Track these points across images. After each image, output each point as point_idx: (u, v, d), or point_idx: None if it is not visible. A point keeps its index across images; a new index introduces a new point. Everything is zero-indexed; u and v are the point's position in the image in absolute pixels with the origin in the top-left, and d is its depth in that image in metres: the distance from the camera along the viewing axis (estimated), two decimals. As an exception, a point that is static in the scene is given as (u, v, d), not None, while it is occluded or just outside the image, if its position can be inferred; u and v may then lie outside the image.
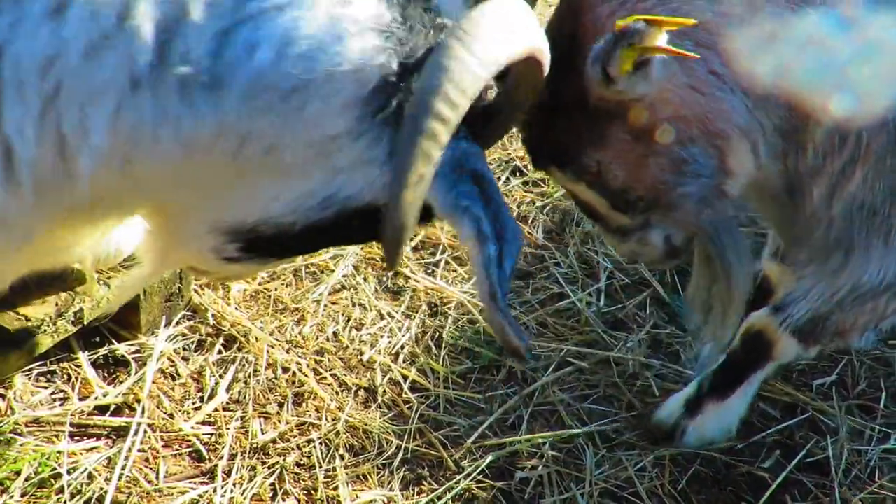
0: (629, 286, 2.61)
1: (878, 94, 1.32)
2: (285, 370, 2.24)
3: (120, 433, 2.00)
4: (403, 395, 2.22)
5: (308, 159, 0.97)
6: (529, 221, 2.85)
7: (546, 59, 1.05)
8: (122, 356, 2.18)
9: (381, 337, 2.38)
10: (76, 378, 2.11)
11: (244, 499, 1.87)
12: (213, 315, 2.34)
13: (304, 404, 2.15)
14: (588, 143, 1.38)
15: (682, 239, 1.58)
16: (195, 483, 1.92)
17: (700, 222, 1.50)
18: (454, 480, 1.96)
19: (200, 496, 1.88)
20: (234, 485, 1.90)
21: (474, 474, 1.97)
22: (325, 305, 2.45)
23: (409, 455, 2.04)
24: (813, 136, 1.39)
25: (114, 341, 2.21)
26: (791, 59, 1.30)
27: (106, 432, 2.01)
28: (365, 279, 2.56)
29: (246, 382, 2.17)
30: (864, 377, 2.33)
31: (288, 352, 2.30)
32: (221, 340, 2.29)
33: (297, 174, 0.99)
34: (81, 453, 1.92)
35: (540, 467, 2.02)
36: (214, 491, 1.88)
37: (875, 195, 1.42)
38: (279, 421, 2.10)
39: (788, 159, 1.43)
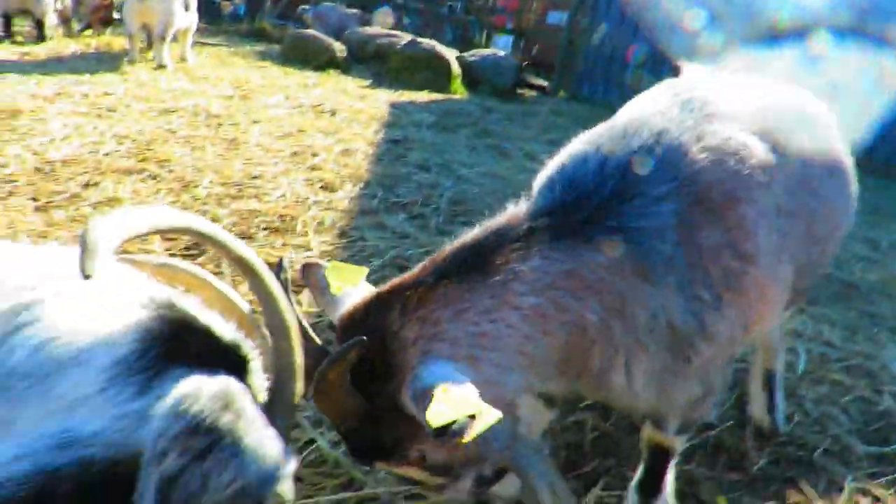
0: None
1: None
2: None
3: None
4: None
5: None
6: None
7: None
8: None
9: None
10: None
11: None
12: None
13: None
14: (409, 440, 1.52)
15: (491, 469, 1.73)
16: None
17: (506, 457, 1.66)
18: None
19: None
20: None
21: None
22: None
23: None
24: (588, 358, 1.64)
25: None
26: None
27: None
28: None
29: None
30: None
31: None
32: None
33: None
34: None
35: None
36: None
37: (662, 360, 1.69)
38: None
39: (570, 374, 1.68)
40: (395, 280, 1.56)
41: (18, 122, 5.22)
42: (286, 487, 1.14)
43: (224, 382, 1.08)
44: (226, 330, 1.23)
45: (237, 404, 1.07)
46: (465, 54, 11.41)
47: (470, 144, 6.74)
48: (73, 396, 1.00)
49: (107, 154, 4.83)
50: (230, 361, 1.18)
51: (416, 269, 1.58)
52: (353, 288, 1.66)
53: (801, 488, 2.43)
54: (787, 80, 1.77)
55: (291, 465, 1.14)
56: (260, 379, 1.26)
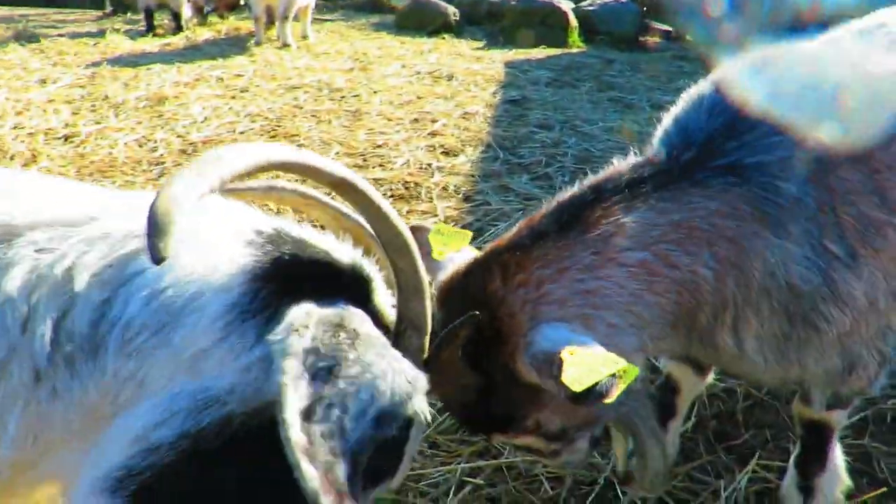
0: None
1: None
2: None
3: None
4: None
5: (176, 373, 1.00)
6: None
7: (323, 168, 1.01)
8: None
9: None
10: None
11: None
12: None
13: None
14: (525, 409, 1.46)
15: (602, 429, 1.68)
16: None
17: (621, 415, 1.57)
18: None
19: None
20: None
21: None
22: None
23: None
24: (696, 317, 1.50)
25: None
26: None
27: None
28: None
29: None
30: None
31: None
32: None
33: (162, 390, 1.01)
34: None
35: None
36: None
37: (778, 326, 1.52)
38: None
39: (681, 333, 1.54)
40: (491, 245, 1.48)
41: (164, 107, 5.64)
42: (423, 406, 1.06)
43: (336, 308, 1.00)
44: (343, 252, 1.14)
45: (352, 325, 1.00)
46: (582, 4, 10.88)
47: (592, 99, 6.44)
48: (194, 349, 0.95)
49: (242, 132, 5.10)
50: (350, 285, 1.11)
51: (512, 231, 1.49)
52: (455, 253, 1.60)
53: None
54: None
55: (423, 381, 1.05)
56: (385, 297, 1.18)
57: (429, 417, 1.08)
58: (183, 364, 0.96)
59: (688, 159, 1.47)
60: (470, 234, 1.64)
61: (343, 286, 1.08)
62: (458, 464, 2.20)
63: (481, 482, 2.15)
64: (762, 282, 1.45)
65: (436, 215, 3.76)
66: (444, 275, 1.51)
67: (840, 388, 1.70)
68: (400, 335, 1.14)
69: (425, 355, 1.17)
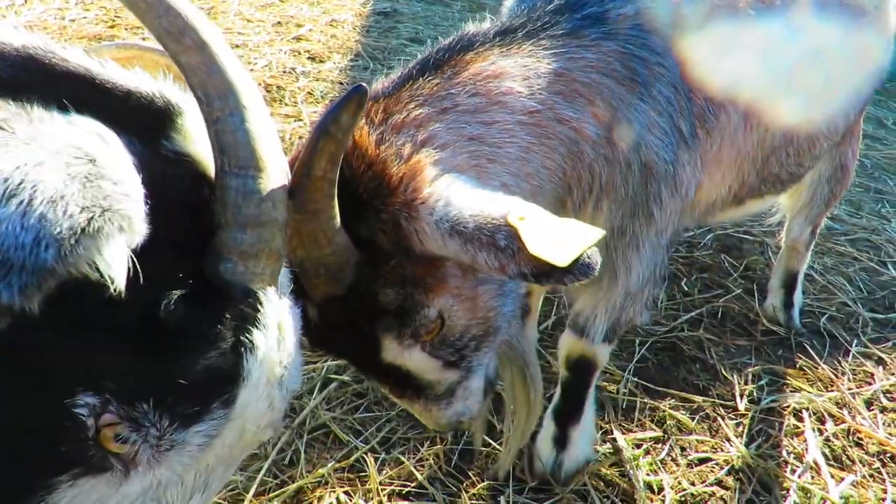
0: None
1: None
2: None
3: None
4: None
5: None
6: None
7: None
8: None
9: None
10: None
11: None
12: None
13: None
14: (427, 291, 1.14)
15: (494, 369, 1.46)
16: None
17: (510, 338, 1.42)
18: None
19: None
20: None
21: None
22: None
23: None
24: (571, 194, 1.37)
25: None
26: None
27: None
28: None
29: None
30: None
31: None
32: None
33: None
34: None
35: (327, 495, 1.82)
36: None
37: (619, 218, 1.45)
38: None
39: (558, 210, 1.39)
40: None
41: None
42: (115, 263, 0.62)
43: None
44: (141, 81, 0.82)
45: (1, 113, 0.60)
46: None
47: (464, 18, 6.33)
48: None
49: (73, 20, 4.45)
50: (130, 112, 0.77)
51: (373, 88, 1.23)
52: None
53: (808, 352, 2.42)
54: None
55: (136, 220, 0.63)
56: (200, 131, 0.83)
57: (121, 284, 0.64)
58: None
59: (555, 8, 1.35)
60: None
61: (102, 108, 0.74)
62: (325, 362, 2.14)
63: (347, 378, 2.12)
64: (627, 156, 1.37)
65: (300, 120, 3.54)
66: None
67: (620, 315, 1.64)
68: (218, 178, 0.79)
69: (264, 206, 0.80)
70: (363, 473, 1.88)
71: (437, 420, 1.33)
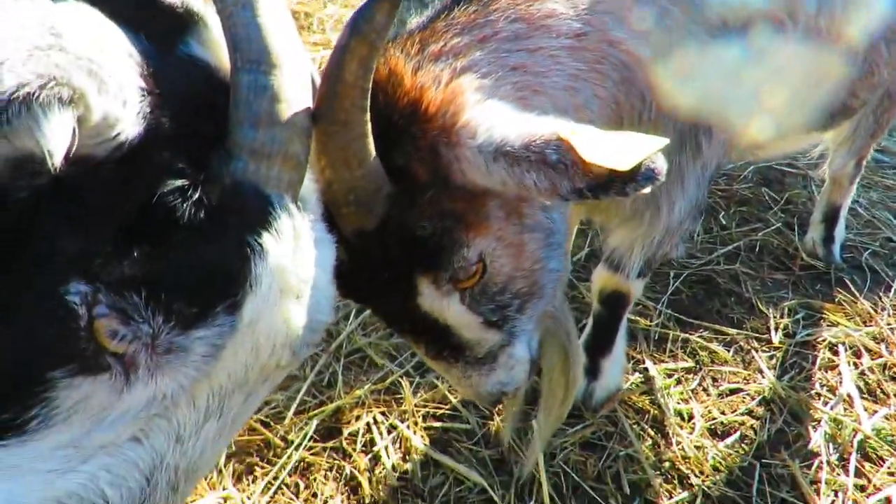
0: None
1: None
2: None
3: None
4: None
5: None
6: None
7: None
8: None
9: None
10: None
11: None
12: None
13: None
14: (468, 229, 1.03)
15: (537, 345, 1.33)
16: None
17: (554, 310, 1.30)
18: (286, 456, 1.79)
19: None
20: None
21: (304, 443, 1.82)
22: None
23: (232, 448, 1.82)
24: (621, 125, 1.25)
25: None
26: None
27: None
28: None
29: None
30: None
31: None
32: None
33: None
34: None
35: (364, 415, 1.89)
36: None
37: (666, 152, 1.28)
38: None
39: None
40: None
41: None
42: (53, 134, 0.59)
43: None
44: None
45: None
46: None
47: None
48: None
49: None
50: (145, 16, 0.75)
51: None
52: None
53: (848, 287, 2.38)
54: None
55: (79, 88, 0.59)
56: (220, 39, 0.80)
57: (58, 159, 0.60)
58: None
59: None
60: None
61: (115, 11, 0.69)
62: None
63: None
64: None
65: (329, 47, 3.47)
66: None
67: (657, 251, 1.61)
68: (231, 76, 0.76)
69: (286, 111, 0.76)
70: (398, 395, 1.94)
71: (477, 388, 1.23)
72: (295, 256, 0.77)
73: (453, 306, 1.10)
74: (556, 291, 1.26)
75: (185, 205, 0.68)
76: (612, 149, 0.84)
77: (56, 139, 0.59)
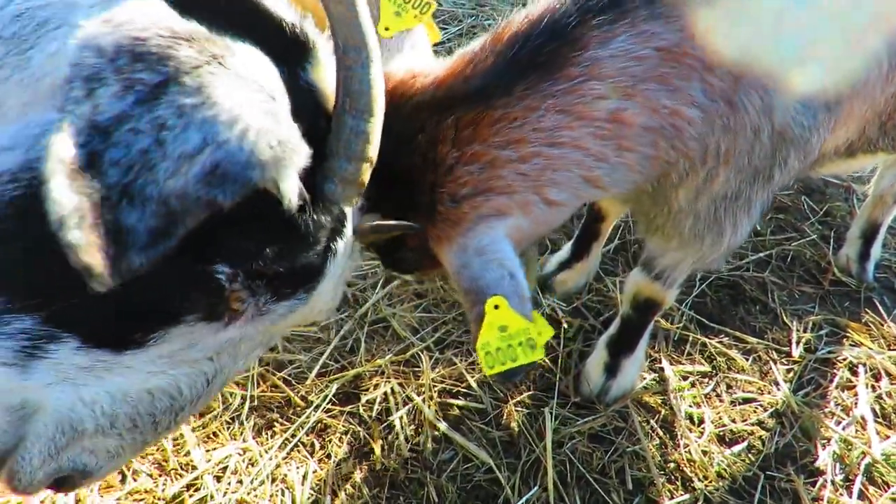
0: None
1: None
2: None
3: None
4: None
5: None
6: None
7: None
8: None
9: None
10: None
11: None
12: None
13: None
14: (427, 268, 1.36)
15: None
16: None
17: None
18: (305, 416, 1.87)
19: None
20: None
21: (323, 405, 1.90)
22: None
23: (255, 403, 1.90)
24: (674, 167, 1.30)
25: None
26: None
27: None
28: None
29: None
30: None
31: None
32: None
33: None
34: None
35: (382, 384, 1.96)
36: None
37: (736, 185, 1.40)
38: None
39: (639, 192, 1.41)
40: (450, 72, 1.19)
41: None
42: (290, 185, 0.84)
43: (197, 27, 0.76)
44: (284, 10, 0.96)
45: (218, 50, 0.75)
46: None
47: None
48: (53, 78, 0.79)
49: None
50: (272, 38, 0.91)
51: (476, 56, 1.20)
52: (406, 30, 1.32)
53: (877, 307, 2.36)
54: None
55: (299, 152, 0.81)
56: (330, 74, 0.98)
57: (295, 202, 0.87)
58: (43, 94, 0.81)
59: None
60: (433, 6, 1.34)
61: (258, 33, 0.88)
62: (389, 260, 2.22)
63: (409, 278, 2.20)
64: (755, 122, 1.26)
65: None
66: (395, 71, 1.22)
67: (706, 261, 1.61)
68: (338, 115, 0.95)
69: (367, 153, 0.97)
70: (417, 368, 1.99)
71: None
72: (351, 253, 1.09)
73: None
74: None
75: (301, 221, 0.93)
76: (500, 341, 1.13)
77: (293, 187, 0.85)
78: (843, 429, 1.95)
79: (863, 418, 1.98)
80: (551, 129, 1.17)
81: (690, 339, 2.17)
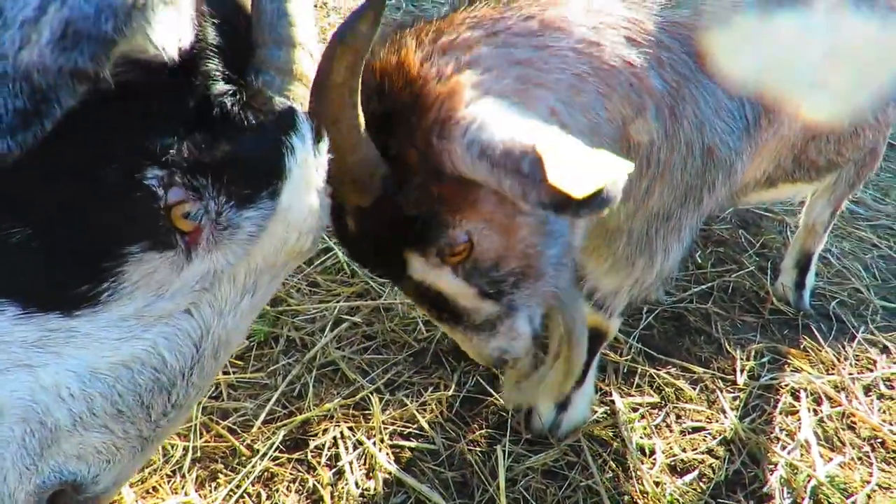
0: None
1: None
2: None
3: None
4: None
5: None
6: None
7: None
8: None
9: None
10: None
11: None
12: None
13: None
14: (455, 212, 1.11)
15: (540, 318, 1.40)
16: None
17: (559, 289, 1.34)
18: (250, 465, 1.80)
19: None
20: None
21: (270, 453, 1.83)
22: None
23: (198, 454, 1.83)
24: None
25: None
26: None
27: None
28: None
29: None
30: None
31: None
32: None
33: None
34: None
35: (332, 428, 1.91)
36: None
37: (669, 203, 1.42)
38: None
39: None
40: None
41: None
42: (165, 36, 0.75)
43: None
44: None
45: None
46: None
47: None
48: None
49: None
50: None
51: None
52: None
53: (814, 334, 2.45)
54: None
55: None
56: None
57: (174, 54, 0.77)
58: None
59: None
60: None
61: None
62: (337, 302, 2.20)
63: (358, 320, 2.18)
64: (689, 135, 1.30)
65: None
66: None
67: (643, 294, 1.63)
68: (255, 4, 0.89)
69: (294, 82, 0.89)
70: (367, 412, 1.96)
71: (479, 351, 1.32)
72: (315, 156, 0.93)
73: (444, 277, 1.18)
74: (559, 276, 1.29)
75: (234, 106, 0.83)
76: (577, 172, 0.89)
77: (166, 34, 0.73)
78: (789, 453, 1.99)
79: (807, 442, 2.03)
80: (525, 32, 1.15)
81: (639, 370, 2.20)
